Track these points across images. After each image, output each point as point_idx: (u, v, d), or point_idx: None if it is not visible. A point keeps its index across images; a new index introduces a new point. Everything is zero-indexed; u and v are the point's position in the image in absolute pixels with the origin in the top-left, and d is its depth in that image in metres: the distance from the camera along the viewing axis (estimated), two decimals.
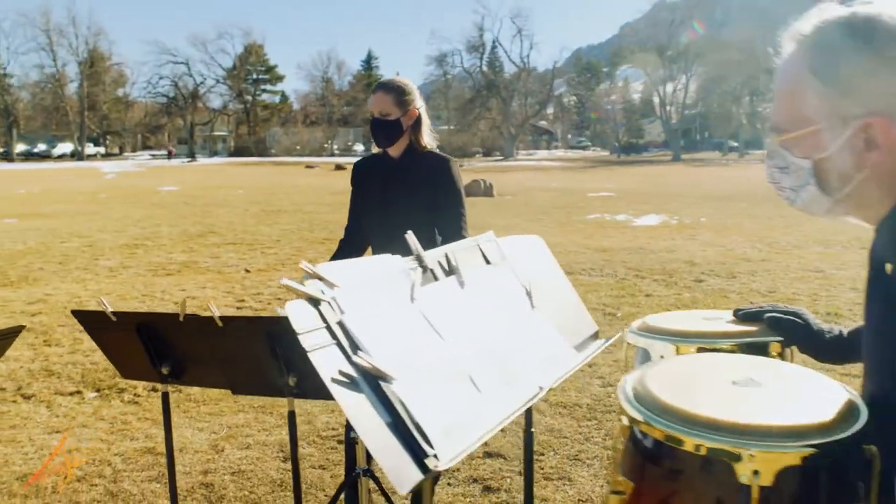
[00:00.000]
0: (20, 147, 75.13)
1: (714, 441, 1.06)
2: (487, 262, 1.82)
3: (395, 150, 2.93)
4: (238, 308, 7.55)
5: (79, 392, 5.09)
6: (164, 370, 2.43)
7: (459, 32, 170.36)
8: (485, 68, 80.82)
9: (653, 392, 1.19)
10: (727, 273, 8.91)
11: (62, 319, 6.88)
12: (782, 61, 1.13)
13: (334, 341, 1.26)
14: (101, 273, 9.73)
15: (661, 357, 1.51)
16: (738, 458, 1.03)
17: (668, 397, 1.16)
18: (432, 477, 1.43)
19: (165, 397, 2.55)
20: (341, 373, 1.22)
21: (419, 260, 1.59)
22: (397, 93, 2.84)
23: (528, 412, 2.07)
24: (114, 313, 2.35)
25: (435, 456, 1.22)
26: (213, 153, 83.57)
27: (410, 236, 1.60)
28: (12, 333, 2.26)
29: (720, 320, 1.59)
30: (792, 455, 1.04)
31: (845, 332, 1.48)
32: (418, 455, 1.20)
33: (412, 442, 1.22)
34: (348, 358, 1.25)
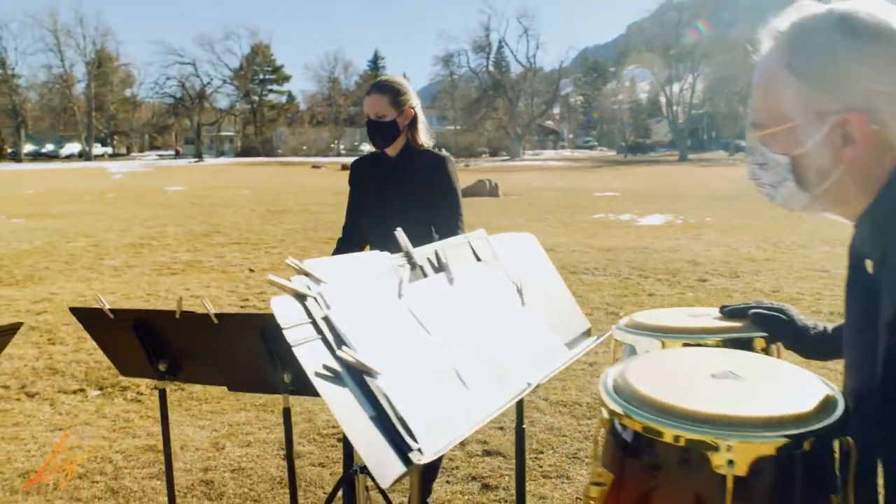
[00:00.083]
0: (28, 147, 75.48)
1: (693, 432, 1.07)
2: (478, 259, 1.84)
3: (392, 150, 2.94)
4: (242, 307, 7.58)
5: (82, 390, 5.13)
6: (162, 367, 2.45)
7: (466, 32, 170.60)
8: (491, 68, 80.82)
9: (632, 384, 1.20)
10: (731, 273, 8.90)
11: (67, 318, 6.91)
12: (760, 58, 1.15)
13: (319, 336, 1.28)
14: (105, 272, 9.78)
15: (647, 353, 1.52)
16: (716, 448, 1.04)
17: (648, 389, 1.17)
18: (417, 471, 1.44)
19: (163, 394, 2.57)
20: (326, 367, 1.23)
21: (408, 256, 1.61)
22: (393, 94, 2.86)
23: (520, 408, 2.08)
24: (111, 310, 2.37)
25: (419, 450, 1.24)
26: (220, 153, 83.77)
27: (400, 233, 1.62)
28: (11, 330, 2.28)
29: (706, 317, 1.60)
30: (767, 445, 1.05)
31: (830, 328, 1.48)
32: (402, 449, 1.22)
33: (396, 436, 1.23)
34: (333, 352, 1.26)
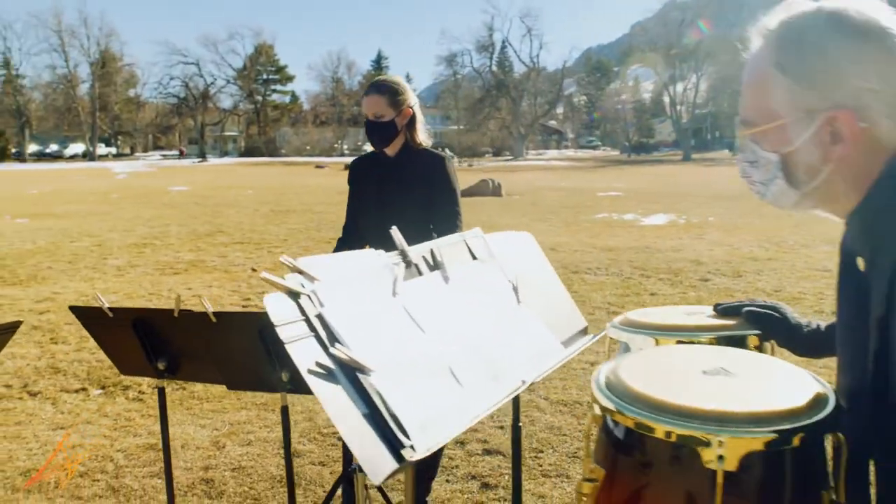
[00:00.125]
0: (32, 147, 75.69)
1: (684, 427, 1.07)
2: (474, 257, 1.84)
3: (391, 150, 2.95)
4: (244, 307, 7.60)
5: (84, 389, 5.14)
6: (161, 365, 2.46)
7: (469, 32, 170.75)
8: (494, 68, 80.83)
9: (625, 381, 1.20)
10: (733, 272, 8.89)
11: (69, 318, 6.93)
12: (750, 56, 1.15)
13: (313, 334, 1.28)
14: (108, 272, 9.80)
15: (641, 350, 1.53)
16: (707, 444, 1.05)
17: (640, 386, 1.18)
18: (412, 468, 1.45)
19: (161, 392, 2.58)
20: (318, 364, 1.24)
21: (403, 255, 1.61)
22: (391, 94, 2.86)
23: (516, 406, 2.09)
24: (110, 309, 2.38)
25: (412, 447, 1.24)
26: (224, 153, 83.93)
27: (395, 231, 1.62)
28: (10, 329, 2.29)
29: (700, 315, 1.60)
30: (757, 440, 1.05)
31: (823, 326, 1.49)
32: (394, 446, 1.22)
33: (388, 433, 1.23)
34: (326, 350, 1.27)
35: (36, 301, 7.89)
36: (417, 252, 1.66)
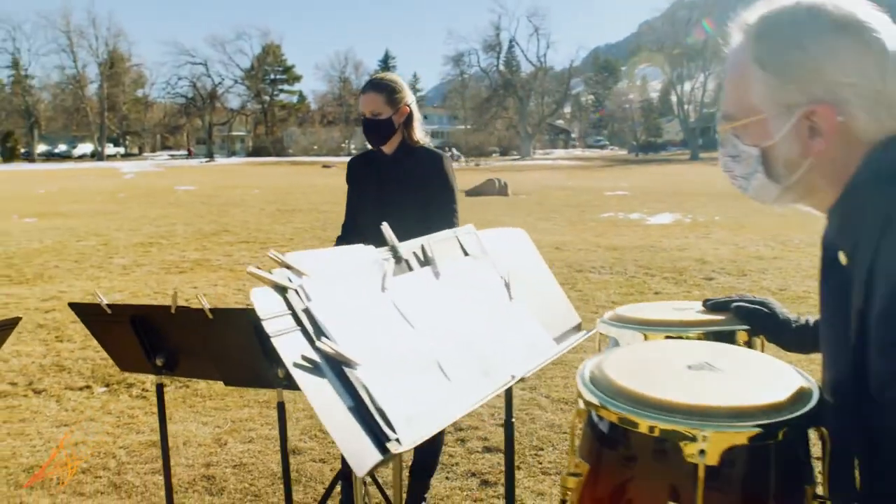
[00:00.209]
0: (41, 147, 76.08)
1: (667, 422, 1.08)
2: (466, 253, 1.85)
3: (388, 148, 2.96)
4: (248, 305, 7.60)
5: (88, 387, 5.17)
6: (159, 362, 2.47)
7: (476, 32, 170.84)
8: (501, 67, 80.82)
9: (609, 376, 1.21)
10: (738, 271, 8.86)
11: (75, 316, 6.94)
12: (730, 51, 1.15)
13: (299, 328, 1.29)
14: (114, 271, 9.84)
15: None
16: (690, 438, 1.05)
17: (624, 381, 1.18)
18: (399, 462, 1.46)
19: (160, 389, 2.59)
20: (304, 358, 1.25)
21: (393, 250, 1.62)
22: (388, 91, 2.87)
23: (509, 402, 2.09)
24: (108, 305, 2.40)
25: (397, 440, 1.25)
26: (232, 153, 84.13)
27: (385, 227, 1.63)
28: (9, 325, 2.31)
29: (690, 310, 1.60)
30: (740, 435, 1.05)
31: (812, 321, 1.49)
32: (379, 438, 1.23)
33: (374, 425, 1.24)
34: (312, 343, 1.28)
35: (42, 300, 7.94)
36: (408, 248, 1.67)
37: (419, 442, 1.27)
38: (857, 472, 1.09)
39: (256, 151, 79.90)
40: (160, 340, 2.45)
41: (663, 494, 1.11)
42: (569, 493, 1.23)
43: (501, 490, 3.49)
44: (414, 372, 1.40)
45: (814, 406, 1.12)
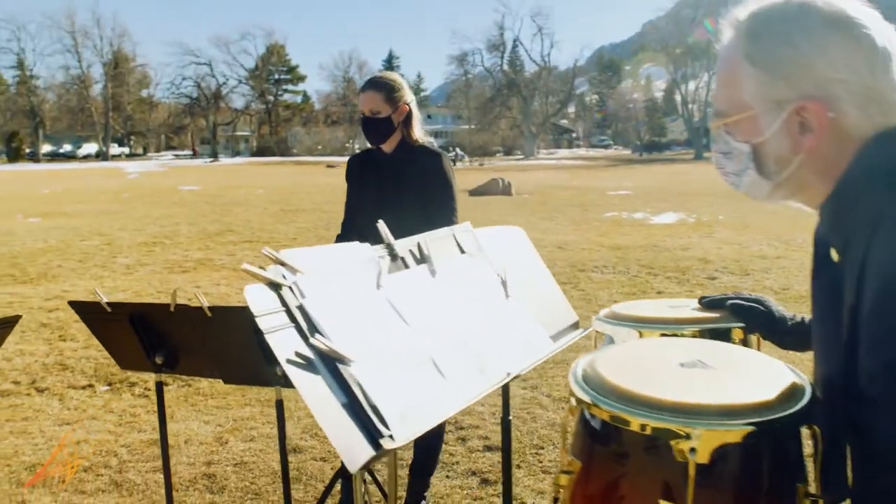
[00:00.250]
0: (46, 147, 76.33)
1: (659, 420, 1.08)
2: (462, 251, 1.85)
3: (387, 146, 2.96)
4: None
5: (91, 385, 5.18)
6: (158, 360, 2.48)
7: (480, 31, 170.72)
8: (505, 67, 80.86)
9: (601, 373, 1.21)
10: (741, 270, 8.85)
11: (77, 315, 6.98)
12: (721, 47, 1.15)
13: (293, 324, 1.29)
14: (118, 270, 9.86)
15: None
16: (681, 436, 1.05)
17: (616, 379, 1.18)
18: (393, 459, 1.46)
19: (160, 387, 2.60)
20: (298, 354, 1.25)
21: (389, 248, 1.62)
22: (387, 90, 2.87)
23: (506, 399, 2.09)
24: (108, 304, 2.41)
25: (390, 436, 1.25)
26: (236, 153, 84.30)
27: (381, 225, 1.64)
28: (9, 323, 2.32)
29: (685, 308, 1.60)
30: (732, 433, 1.05)
31: (807, 319, 1.48)
32: (372, 434, 1.24)
33: (367, 422, 1.25)
34: (306, 340, 1.28)
35: (46, 299, 7.96)
36: (404, 245, 1.67)
37: (413, 438, 1.27)
38: (848, 470, 1.09)
39: (260, 151, 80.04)
40: (159, 339, 2.46)
41: (655, 492, 1.11)
42: (561, 490, 1.23)
43: (501, 489, 3.50)
44: (408, 369, 1.41)
45: (806, 404, 1.12)
